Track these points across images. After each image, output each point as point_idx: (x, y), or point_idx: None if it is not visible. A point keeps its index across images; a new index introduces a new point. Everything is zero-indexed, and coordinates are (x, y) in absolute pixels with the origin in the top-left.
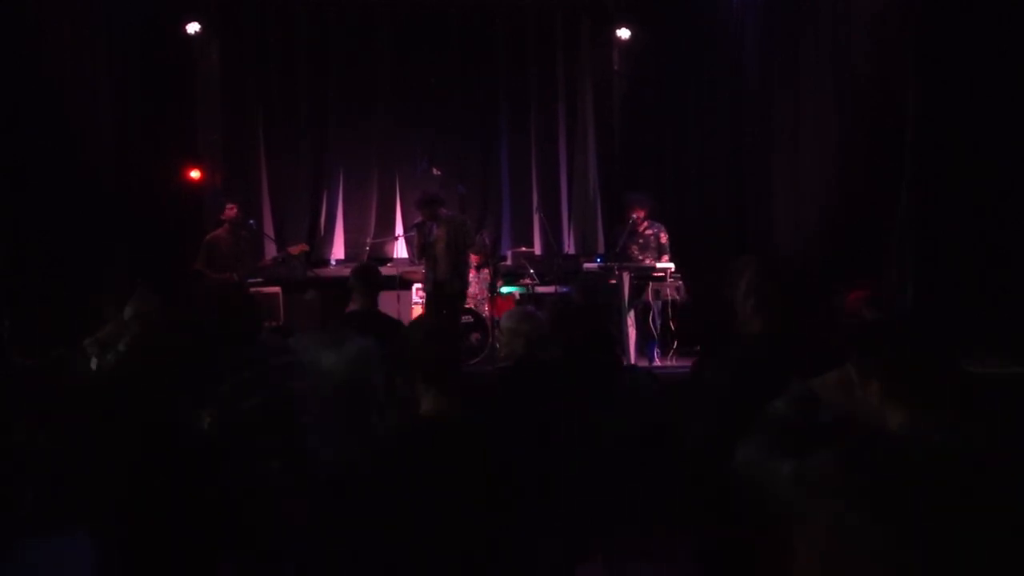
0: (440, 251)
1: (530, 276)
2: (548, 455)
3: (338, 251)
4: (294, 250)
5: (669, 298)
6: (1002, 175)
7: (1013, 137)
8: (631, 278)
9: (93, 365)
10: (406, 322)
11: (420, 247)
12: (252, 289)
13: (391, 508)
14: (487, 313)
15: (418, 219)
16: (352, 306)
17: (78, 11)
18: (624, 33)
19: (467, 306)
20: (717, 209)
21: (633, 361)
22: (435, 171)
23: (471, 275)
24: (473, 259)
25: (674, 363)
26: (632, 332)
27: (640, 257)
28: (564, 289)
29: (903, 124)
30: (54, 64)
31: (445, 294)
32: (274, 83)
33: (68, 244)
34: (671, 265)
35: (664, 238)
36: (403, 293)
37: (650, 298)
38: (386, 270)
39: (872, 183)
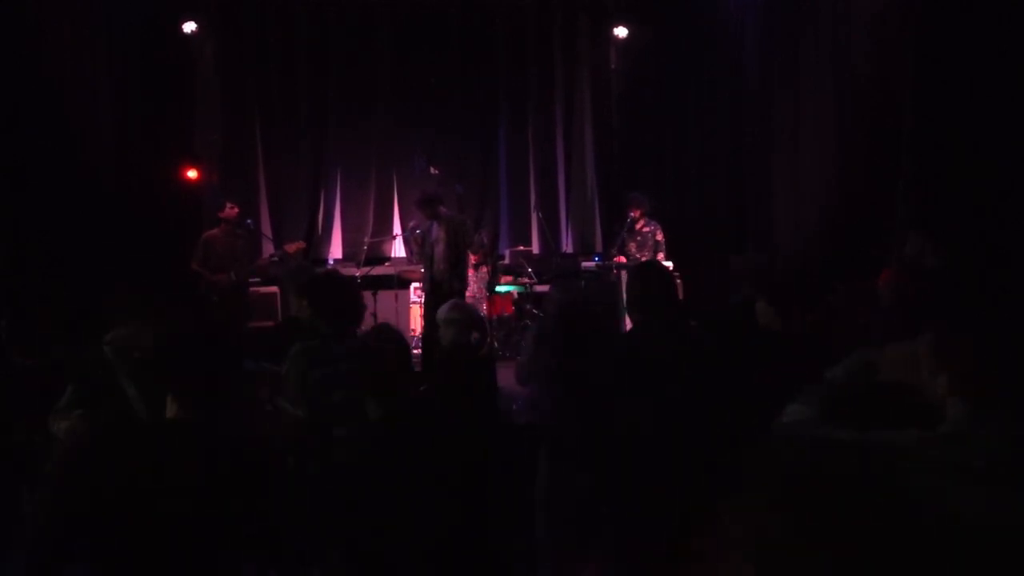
0: (440, 251)
1: (528, 275)
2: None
3: (336, 251)
4: (291, 248)
5: None
6: (1002, 175)
7: (1013, 137)
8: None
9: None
10: (403, 323)
11: (420, 248)
12: (250, 289)
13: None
14: (485, 312)
15: (417, 219)
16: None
17: (78, 11)
18: (623, 32)
19: None
20: (717, 208)
21: None
22: (433, 170)
23: (469, 274)
24: (471, 258)
25: None
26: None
27: (638, 255)
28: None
29: (903, 124)
30: (54, 64)
31: (443, 293)
32: (273, 82)
33: (68, 244)
34: (669, 264)
35: (660, 235)
36: (401, 292)
37: None
38: (384, 269)
39: (872, 183)
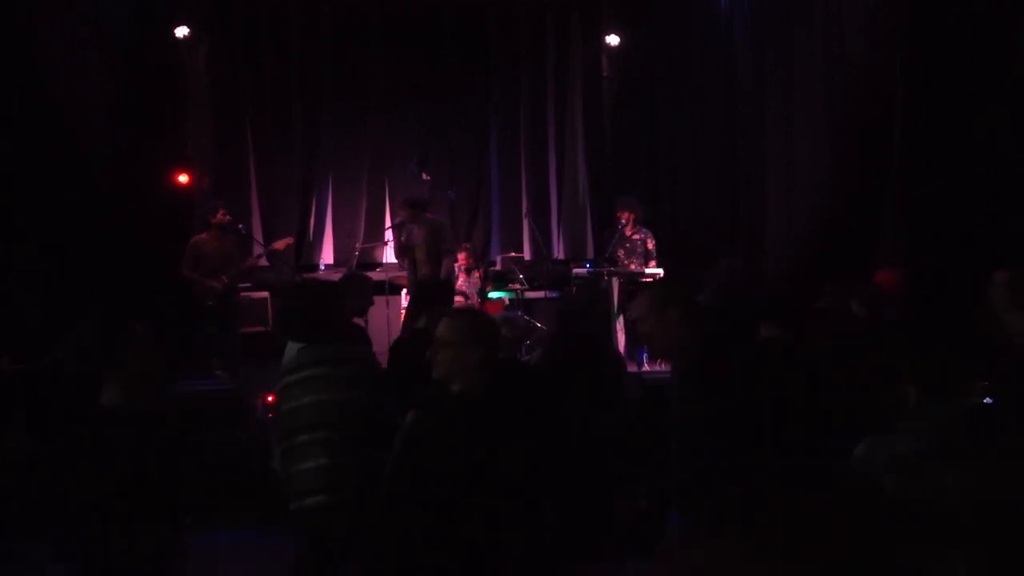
0: (422, 256)
1: (519, 281)
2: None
3: (327, 256)
4: (279, 245)
5: None
6: (992, 174)
7: (1003, 134)
8: (621, 284)
9: None
10: (394, 329)
11: (399, 248)
12: (241, 294)
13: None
14: None
15: (399, 218)
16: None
17: (70, 15)
18: (614, 36)
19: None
20: (710, 212)
21: None
22: (424, 176)
23: (461, 279)
24: (462, 262)
25: (661, 368)
26: (621, 337)
27: (626, 262)
28: (553, 295)
29: (895, 125)
30: (47, 68)
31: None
32: (265, 87)
33: (60, 248)
34: (660, 270)
35: (651, 244)
36: (392, 298)
37: None
38: (375, 275)
39: (865, 184)
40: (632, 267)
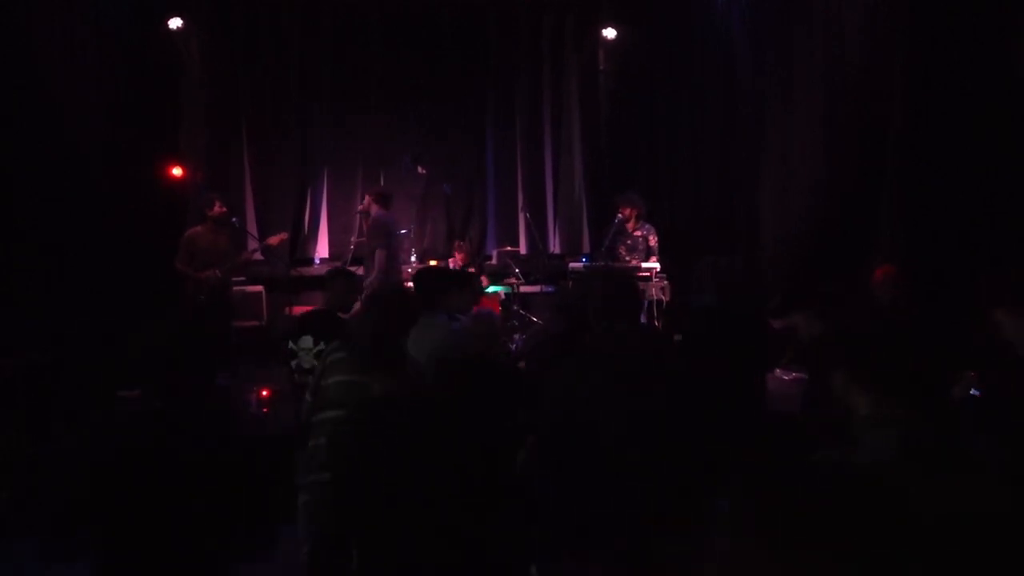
0: (368, 249)
1: (515, 276)
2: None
3: (322, 250)
4: (274, 240)
5: (655, 298)
6: (995, 169)
7: (1003, 129)
8: None
9: None
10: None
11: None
12: (235, 288)
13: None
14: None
15: (362, 206)
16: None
17: (71, 14)
18: (612, 31)
19: None
20: (707, 208)
21: None
22: (420, 170)
23: None
24: (458, 260)
25: None
26: None
27: (628, 258)
28: (549, 289)
29: (891, 125)
30: (47, 67)
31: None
32: (260, 80)
33: (60, 249)
34: (656, 265)
35: (653, 240)
36: None
37: None
38: None
39: (861, 183)
40: (633, 263)
